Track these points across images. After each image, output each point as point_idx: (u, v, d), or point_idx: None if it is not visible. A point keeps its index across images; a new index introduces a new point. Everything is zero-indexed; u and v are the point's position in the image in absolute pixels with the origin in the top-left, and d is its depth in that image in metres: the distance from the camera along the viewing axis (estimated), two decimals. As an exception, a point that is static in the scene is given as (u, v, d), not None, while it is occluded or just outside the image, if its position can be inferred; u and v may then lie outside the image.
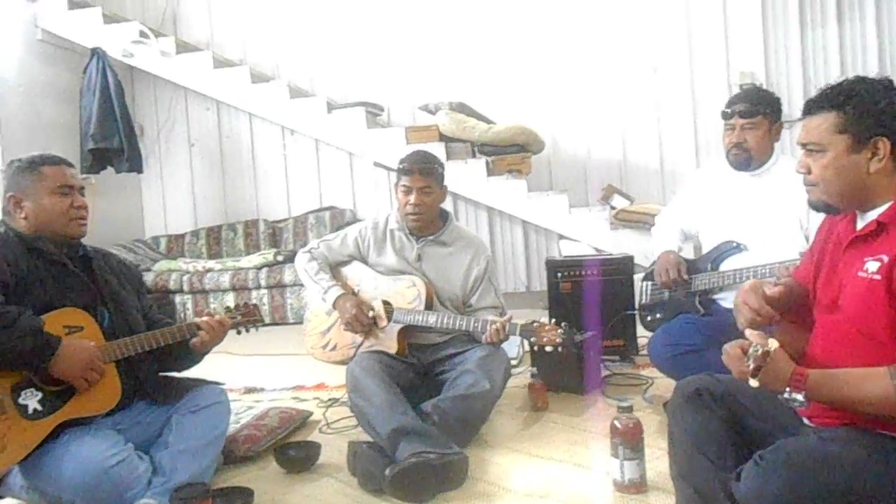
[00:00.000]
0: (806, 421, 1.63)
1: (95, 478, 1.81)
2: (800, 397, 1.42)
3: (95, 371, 1.92)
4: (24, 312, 1.84)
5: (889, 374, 1.38)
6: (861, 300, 1.49)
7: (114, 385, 1.99)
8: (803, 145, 1.59)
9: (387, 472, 1.95)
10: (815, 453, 1.41)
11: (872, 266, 1.48)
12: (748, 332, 1.54)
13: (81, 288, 2.04)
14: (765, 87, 5.13)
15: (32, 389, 1.88)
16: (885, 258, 1.46)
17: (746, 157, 2.55)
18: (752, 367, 1.43)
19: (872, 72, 4.97)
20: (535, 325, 2.37)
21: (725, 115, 2.59)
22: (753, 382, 1.43)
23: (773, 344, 1.44)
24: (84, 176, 5.20)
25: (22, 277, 1.92)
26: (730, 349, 1.50)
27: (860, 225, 1.59)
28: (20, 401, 1.86)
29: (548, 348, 2.33)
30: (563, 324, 2.34)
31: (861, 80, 1.54)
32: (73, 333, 1.94)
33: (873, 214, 1.54)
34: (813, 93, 1.63)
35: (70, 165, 2.10)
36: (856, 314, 1.51)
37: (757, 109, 2.53)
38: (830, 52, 5.13)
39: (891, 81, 1.54)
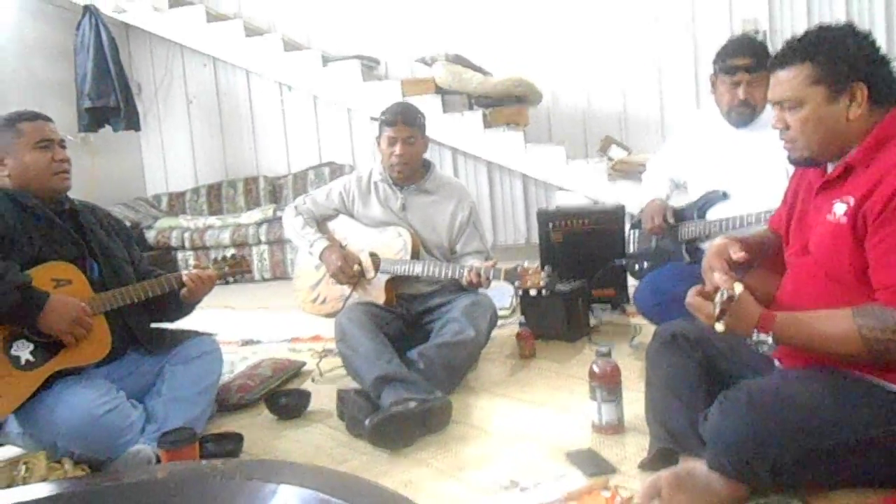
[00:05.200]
0: (777, 364, 1.66)
1: (88, 425, 1.87)
2: (769, 340, 1.44)
3: (82, 326, 1.96)
4: (11, 268, 1.87)
5: (853, 314, 1.39)
6: (828, 243, 1.50)
7: (104, 336, 2.04)
8: (777, 103, 1.56)
9: (366, 422, 1.99)
10: (774, 392, 1.44)
11: (840, 209, 1.49)
12: (716, 276, 1.55)
13: (69, 241, 2.08)
14: (768, 35, 5.04)
15: (24, 341, 1.93)
16: (852, 200, 1.46)
17: (751, 115, 2.43)
18: (717, 311, 1.44)
19: (879, 19, 4.86)
20: (519, 268, 2.38)
21: (729, 70, 2.40)
22: (719, 327, 1.44)
23: (738, 288, 1.45)
24: (82, 134, 5.23)
25: (9, 232, 1.95)
26: (691, 299, 1.51)
27: (830, 170, 1.58)
28: (12, 352, 1.92)
29: (532, 291, 2.34)
30: (546, 267, 2.35)
31: (825, 28, 1.52)
32: (61, 287, 1.98)
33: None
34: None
35: (48, 120, 2.11)
36: (823, 257, 1.51)
37: (762, 63, 2.36)
38: (836, -1, 5.00)
39: (853, 26, 1.52)
